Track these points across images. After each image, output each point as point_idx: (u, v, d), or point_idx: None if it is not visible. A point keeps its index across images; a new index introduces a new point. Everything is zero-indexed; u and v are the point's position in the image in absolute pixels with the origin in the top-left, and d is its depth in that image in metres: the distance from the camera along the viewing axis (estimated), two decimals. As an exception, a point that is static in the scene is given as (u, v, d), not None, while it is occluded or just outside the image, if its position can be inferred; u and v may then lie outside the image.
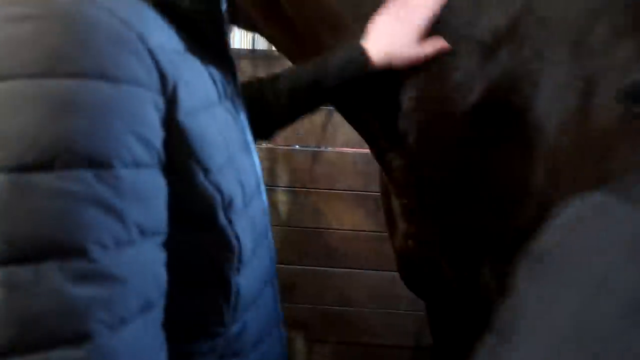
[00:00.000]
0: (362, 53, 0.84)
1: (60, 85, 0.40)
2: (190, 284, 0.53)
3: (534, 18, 0.86)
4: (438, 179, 0.90)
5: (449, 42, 0.88)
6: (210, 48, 0.58)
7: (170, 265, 0.49)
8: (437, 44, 0.86)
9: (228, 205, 0.54)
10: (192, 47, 0.55)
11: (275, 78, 0.88)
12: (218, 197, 0.52)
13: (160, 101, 0.46)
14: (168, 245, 0.49)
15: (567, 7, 0.85)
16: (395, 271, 2.06)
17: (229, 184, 0.54)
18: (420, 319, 2.04)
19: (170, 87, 0.47)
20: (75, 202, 0.40)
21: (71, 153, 0.40)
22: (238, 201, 0.56)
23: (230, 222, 0.54)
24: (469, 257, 0.91)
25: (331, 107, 1.97)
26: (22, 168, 0.39)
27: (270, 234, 0.70)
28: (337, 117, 1.87)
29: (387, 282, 2.03)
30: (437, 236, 0.94)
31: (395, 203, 1.05)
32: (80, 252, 0.40)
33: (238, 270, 0.56)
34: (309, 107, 0.90)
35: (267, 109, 0.87)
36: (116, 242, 0.42)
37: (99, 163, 0.41)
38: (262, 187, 0.68)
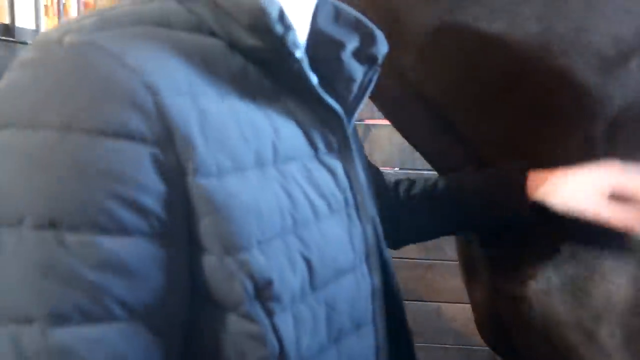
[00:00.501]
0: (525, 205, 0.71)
1: (38, 137, 0.38)
2: None
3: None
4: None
5: (553, 53, 0.70)
6: (300, 94, 0.51)
7: (191, 352, 0.44)
8: (632, 214, 0.66)
9: (263, 292, 0.43)
10: (276, 89, 0.50)
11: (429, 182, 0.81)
12: (247, 282, 0.43)
13: (164, 156, 0.40)
14: (191, 326, 0.44)
15: None
16: (440, 302, 1.92)
17: (273, 263, 0.44)
18: (468, 354, 1.87)
19: (182, 142, 0.41)
20: (33, 267, 0.37)
21: (37, 213, 0.37)
22: (288, 285, 0.45)
23: (268, 312, 0.43)
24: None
25: (368, 123, 1.81)
26: None
27: (380, 319, 0.55)
28: (375, 135, 1.69)
29: (431, 314, 1.86)
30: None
31: (479, 251, 0.87)
32: (31, 322, 0.37)
33: None
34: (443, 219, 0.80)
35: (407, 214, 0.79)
36: (86, 317, 0.38)
37: (67, 226, 0.37)
38: (374, 261, 0.55)
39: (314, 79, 0.50)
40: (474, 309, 0.94)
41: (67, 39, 0.41)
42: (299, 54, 0.47)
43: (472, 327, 1.80)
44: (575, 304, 0.74)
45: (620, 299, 0.70)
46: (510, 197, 0.72)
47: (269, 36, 0.46)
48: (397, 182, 0.82)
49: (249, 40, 0.46)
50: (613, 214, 0.66)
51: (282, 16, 0.45)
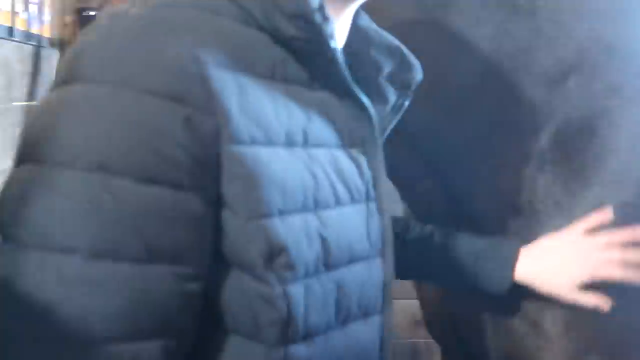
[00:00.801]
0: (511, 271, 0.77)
1: (97, 92, 0.44)
2: (228, 332, 0.48)
3: (603, 47, 0.77)
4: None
5: (505, 70, 0.77)
6: (335, 87, 0.55)
7: (208, 309, 0.47)
8: (599, 300, 0.74)
9: (275, 258, 0.47)
10: (313, 83, 0.54)
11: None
12: (263, 246, 0.46)
13: (202, 120, 0.44)
14: (210, 282, 0.46)
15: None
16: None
17: (290, 234, 0.48)
18: (393, 347, 1.94)
19: (220, 109, 0.45)
20: (79, 205, 0.41)
21: (88, 157, 0.42)
22: (302, 258, 0.48)
23: (280, 278, 0.47)
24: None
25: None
26: (51, 164, 0.43)
27: (388, 312, 0.58)
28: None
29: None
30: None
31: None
32: (73, 253, 0.41)
33: (294, 338, 0.48)
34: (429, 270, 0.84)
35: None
36: (120, 256, 0.42)
37: (112, 172, 0.42)
38: (389, 256, 0.58)
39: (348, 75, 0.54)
40: (424, 307, 1.00)
41: (132, 11, 0.48)
42: (334, 44, 0.52)
43: (396, 321, 1.88)
44: (521, 297, 0.81)
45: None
46: (498, 271, 0.77)
47: (308, 25, 0.50)
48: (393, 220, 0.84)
49: (290, 30, 0.50)
50: (585, 299, 0.74)
51: (321, 7, 0.50)
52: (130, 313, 0.42)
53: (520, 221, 0.79)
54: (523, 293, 0.80)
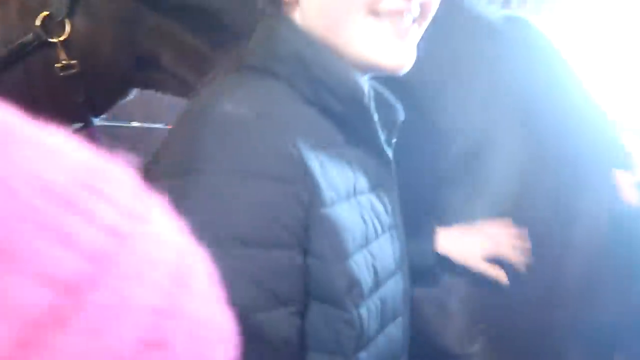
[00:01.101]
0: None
1: (221, 179, 0.55)
2: (308, 351, 0.60)
3: (487, 86, 1.02)
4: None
5: (423, 101, 0.96)
6: (365, 144, 0.69)
7: (302, 333, 0.59)
8: (499, 273, 0.91)
9: (352, 289, 0.61)
10: (348, 141, 0.67)
11: None
12: (344, 282, 0.60)
13: (303, 194, 0.57)
14: (304, 315, 0.59)
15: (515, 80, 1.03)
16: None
17: (359, 269, 0.62)
18: None
19: (313, 183, 0.58)
20: (226, 271, 0.48)
21: (222, 234, 0.53)
22: (366, 285, 0.63)
23: (355, 304, 0.61)
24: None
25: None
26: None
27: (407, 312, 0.73)
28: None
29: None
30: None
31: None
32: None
33: (361, 347, 0.62)
34: None
35: None
36: (263, 307, 0.54)
37: (250, 243, 0.54)
38: (405, 269, 0.73)
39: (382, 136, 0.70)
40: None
41: (228, 108, 0.58)
42: (376, 117, 0.67)
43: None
44: (432, 286, 0.98)
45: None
46: (423, 246, 0.90)
47: (358, 105, 0.64)
48: None
49: (339, 107, 0.64)
50: (488, 270, 0.92)
51: (368, 90, 0.64)
52: (272, 352, 0.55)
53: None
54: (435, 282, 0.97)
